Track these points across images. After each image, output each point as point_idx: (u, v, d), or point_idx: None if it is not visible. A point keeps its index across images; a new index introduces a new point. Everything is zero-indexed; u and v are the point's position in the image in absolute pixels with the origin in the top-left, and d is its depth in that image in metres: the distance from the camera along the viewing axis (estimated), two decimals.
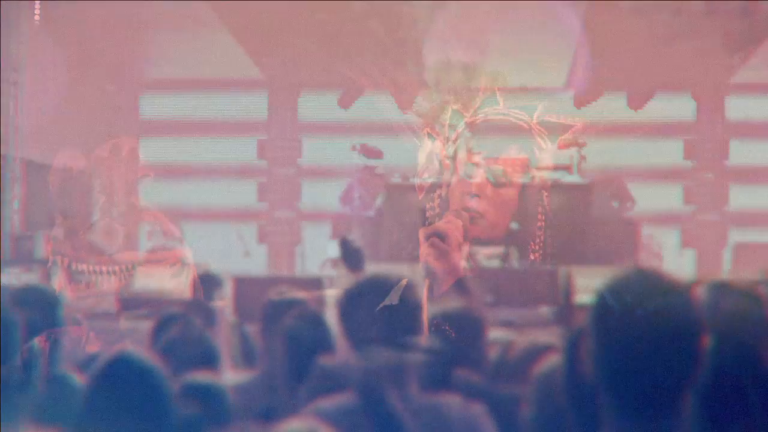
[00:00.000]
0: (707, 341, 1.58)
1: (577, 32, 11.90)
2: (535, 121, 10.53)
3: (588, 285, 7.81)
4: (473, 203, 9.71)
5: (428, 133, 10.73)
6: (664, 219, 13.51)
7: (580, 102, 13.51)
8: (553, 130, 10.72)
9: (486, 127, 10.77)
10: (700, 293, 2.21)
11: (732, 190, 14.16)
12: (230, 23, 11.82)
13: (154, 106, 14.72)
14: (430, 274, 3.05)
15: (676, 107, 14.11)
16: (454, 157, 10.39)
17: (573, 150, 10.72)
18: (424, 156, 10.39)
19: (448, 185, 9.99)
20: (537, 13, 11.14)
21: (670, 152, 14.14)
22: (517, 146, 10.93)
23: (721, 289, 2.09)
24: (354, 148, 10.96)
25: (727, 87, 14.01)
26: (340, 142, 13.00)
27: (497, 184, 10.32)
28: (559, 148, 10.89)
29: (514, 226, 9.53)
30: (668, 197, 13.98)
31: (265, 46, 12.50)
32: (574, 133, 10.62)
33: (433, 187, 10.12)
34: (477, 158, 10.48)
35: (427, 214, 9.60)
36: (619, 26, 11.63)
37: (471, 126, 10.57)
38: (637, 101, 13.63)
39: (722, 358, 1.73)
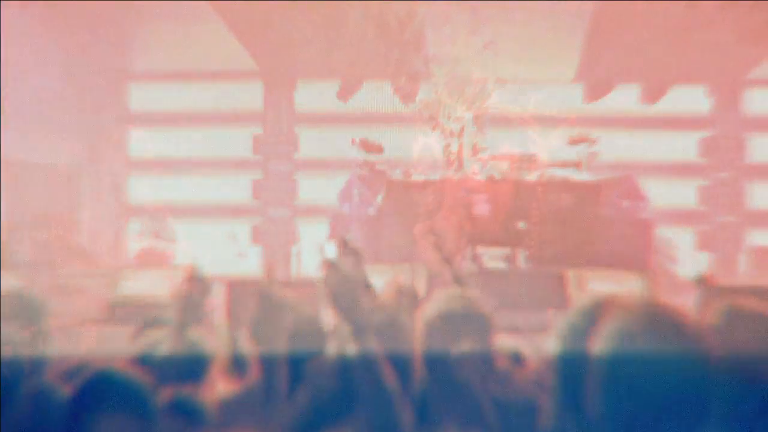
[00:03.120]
0: (720, 377, 1.54)
1: (588, 23, 11.70)
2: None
3: (598, 288, 7.59)
4: (477, 201, 9.45)
5: (431, 127, 10.54)
6: (678, 219, 13.26)
7: (591, 96, 13.26)
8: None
9: (492, 122, 10.52)
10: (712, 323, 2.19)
11: (749, 190, 13.88)
12: (224, 11, 11.59)
13: (144, 97, 14.43)
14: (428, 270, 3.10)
15: (691, 102, 13.88)
16: (458, 153, 10.19)
17: (583, 146, 10.43)
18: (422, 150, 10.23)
19: (451, 181, 9.71)
20: (546, 3, 10.92)
21: (684, 149, 13.92)
22: (525, 141, 10.73)
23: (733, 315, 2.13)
24: (353, 142, 10.70)
25: (745, 81, 13.79)
26: (338, 136, 12.78)
27: (503, 181, 10.02)
28: (569, 144, 10.66)
29: (520, 225, 9.24)
30: (682, 196, 13.74)
31: (260, 34, 12.27)
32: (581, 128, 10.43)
33: (434, 183, 9.82)
34: (482, 154, 10.24)
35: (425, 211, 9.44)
36: (632, 17, 11.37)
37: (477, 120, 10.34)
38: (650, 95, 13.36)
39: (737, 391, 1.79)
